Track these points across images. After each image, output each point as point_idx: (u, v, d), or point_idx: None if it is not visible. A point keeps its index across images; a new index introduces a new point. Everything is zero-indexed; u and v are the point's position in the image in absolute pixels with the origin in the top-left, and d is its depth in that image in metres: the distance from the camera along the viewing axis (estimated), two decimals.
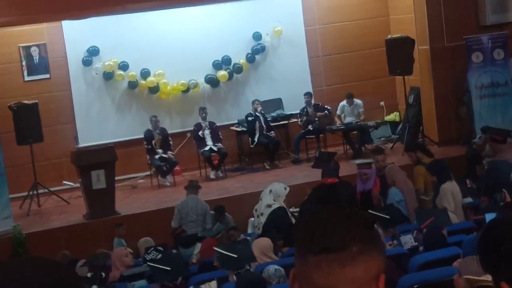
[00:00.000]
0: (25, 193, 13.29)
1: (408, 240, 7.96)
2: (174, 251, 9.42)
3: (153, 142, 14.12)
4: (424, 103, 14.77)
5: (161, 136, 14.17)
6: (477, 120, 13.75)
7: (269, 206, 9.78)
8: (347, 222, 1.70)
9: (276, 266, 6.92)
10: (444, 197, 9.43)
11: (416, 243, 7.83)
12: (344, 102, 15.12)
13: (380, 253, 1.71)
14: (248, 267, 7.56)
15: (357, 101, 15.07)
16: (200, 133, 14.33)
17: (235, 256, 7.72)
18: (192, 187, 11.79)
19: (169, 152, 14.17)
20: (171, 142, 14.35)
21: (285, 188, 9.83)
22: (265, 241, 8.48)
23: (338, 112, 15.15)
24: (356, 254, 1.66)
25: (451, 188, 9.55)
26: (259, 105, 14.78)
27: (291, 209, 10.67)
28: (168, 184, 14.16)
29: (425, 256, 6.93)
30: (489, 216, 6.99)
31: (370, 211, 9.21)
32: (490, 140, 10.80)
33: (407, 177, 10.69)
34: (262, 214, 10.03)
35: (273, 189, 9.96)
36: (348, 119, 15.02)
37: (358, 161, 11.15)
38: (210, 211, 11.45)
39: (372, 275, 1.68)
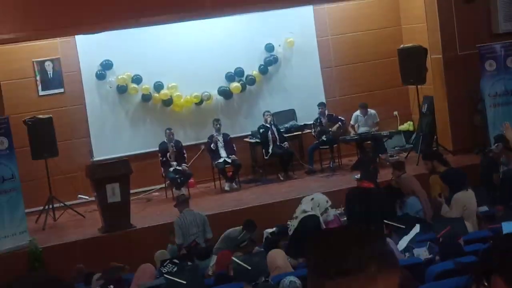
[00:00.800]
0: (41, 208, 13.32)
1: (422, 253, 7.92)
2: (189, 263, 9.44)
3: (168, 154, 14.16)
4: (438, 112, 14.74)
5: (175, 149, 14.21)
6: (491, 129, 13.69)
7: (305, 211, 9.75)
8: (361, 241, 1.67)
9: (292, 278, 6.88)
10: (452, 206, 9.40)
11: (431, 255, 7.78)
12: (358, 112, 15.12)
13: (396, 268, 1.69)
14: (266, 279, 7.54)
15: (371, 111, 15.07)
16: (213, 145, 14.36)
17: (249, 268, 7.72)
18: (182, 201, 11.73)
19: (183, 164, 14.20)
20: (185, 155, 14.38)
21: (327, 202, 9.83)
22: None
23: (352, 122, 15.15)
24: (375, 274, 1.62)
25: (464, 197, 9.50)
26: (269, 116, 14.80)
27: (337, 211, 10.61)
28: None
29: (442, 266, 6.90)
30: (506, 225, 6.97)
31: (385, 221, 9.23)
32: (505, 149, 10.78)
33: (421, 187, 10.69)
34: (296, 217, 10.01)
35: (315, 197, 9.91)
36: (362, 129, 15.00)
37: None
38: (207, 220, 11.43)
39: None
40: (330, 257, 1.64)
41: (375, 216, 9.41)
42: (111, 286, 8.54)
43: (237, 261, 7.92)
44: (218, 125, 14.55)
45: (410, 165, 13.53)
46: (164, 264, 9.27)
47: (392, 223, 8.90)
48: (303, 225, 9.65)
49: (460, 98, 14.35)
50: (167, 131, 14.36)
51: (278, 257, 8.24)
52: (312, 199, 9.91)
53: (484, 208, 10.00)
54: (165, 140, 14.32)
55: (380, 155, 14.74)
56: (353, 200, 10.09)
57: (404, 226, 8.55)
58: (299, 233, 9.59)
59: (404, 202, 10.38)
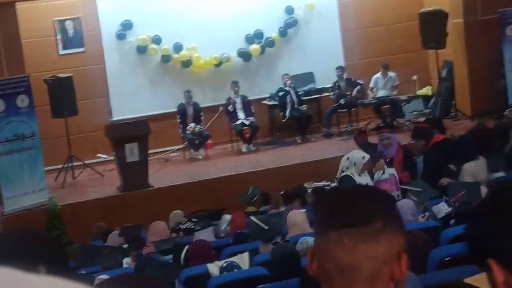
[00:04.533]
0: (60, 166, 13.47)
1: (441, 208, 7.91)
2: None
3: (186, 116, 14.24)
4: (457, 77, 14.68)
5: (193, 111, 14.27)
6: (511, 95, 13.64)
7: (342, 171, 9.65)
8: (370, 197, 1.68)
9: (311, 239, 6.91)
10: (463, 177, 9.34)
11: (450, 208, 7.79)
12: (378, 75, 14.99)
13: (402, 232, 1.68)
14: (283, 239, 7.60)
15: (391, 74, 14.95)
16: (231, 107, 14.40)
17: (266, 228, 7.80)
18: None
19: (197, 126, 14.19)
20: (202, 118, 14.42)
21: (363, 157, 9.57)
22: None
23: (371, 85, 15.05)
24: (379, 230, 1.62)
25: (472, 168, 9.41)
26: (288, 79, 14.79)
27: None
28: (200, 157, 14.26)
29: (457, 230, 6.93)
30: None
31: (400, 186, 9.26)
32: None
33: None
34: (336, 179, 9.98)
35: (350, 156, 9.72)
36: (381, 92, 14.92)
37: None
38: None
39: (393, 253, 1.65)
40: (336, 209, 1.66)
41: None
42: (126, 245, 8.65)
43: (255, 220, 7.98)
44: (236, 88, 14.57)
45: None
46: (182, 223, 9.38)
47: (407, 187, 8.92)
48: (340, 185, 9.56)
49: (480, 63, 14.26)
50: (186, 93, 14.40)
51: (297, 217, 8.31)
52: (348, 158, 9.68)
53: (500, 174, 9.95)
54: (184, 102, 14.38)
55: (397, 119, 14.73)
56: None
57: (420, 189, 8.58)
58: None
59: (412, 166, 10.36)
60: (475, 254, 1.73)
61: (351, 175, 9.24)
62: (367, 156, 9.37)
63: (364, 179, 9.25)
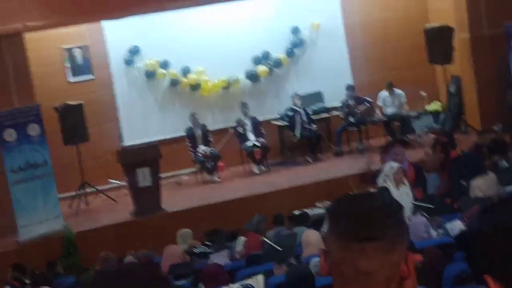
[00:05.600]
0: (73, 193, 13.52)
1: (456, 226, 7.91)
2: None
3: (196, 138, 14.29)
4: (466, 92, 14.69)
5: (202, 133, 14.32)
6: None
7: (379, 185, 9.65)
8: (383, 211, 1.86)
9: None
10: (472, 193, 9.32)
11: (464, 225, 7.80)
12: (385, 93, 15.05)
13: (406, 235, 1.89)
14: (297, 260, 7.61)
15: (398, 91, 15.00)
16: (241, 129, 14.44)
17: (280, 249, 7.82)
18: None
19: (205, 148, 14.22)
20: (210, 139, 14.46)
21: (391, 167, 9.59)
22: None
23: (379, 102, 15.07)
24: (394, 240, 1.82)
25: (480, 184, 9.36)
26: (298, 99, 14.83)
27: None
28: (217, 179, 14.24)
29: None
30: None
31: (412, 202, 9.26)
32: None
33: None
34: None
35: (383, 170, 9.74)
36: (390, 110, 14.95)
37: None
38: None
39: (403, 256, 1.84)
40: (357, 221, 1.83)
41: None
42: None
43: (268, 242, 8.01)
44: (245, 109, 14.62)
45: None
46: (196, 247, 9.40)
47: (420, 204, 8.92)
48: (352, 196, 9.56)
49: (488, 77, 14.27)
50: (191, 117, 14.45)
51: (312, 237, 8.34)
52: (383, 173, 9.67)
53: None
54: (191, 125, 14.44)
55: (408, 135, 14.73)
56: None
57: (432, 206, 8.58)
58: None
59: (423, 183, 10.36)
60: (474, 271, 1.86)
61: (388, 186, 9.31)
62: (396, 166, 9.39)
63: (401, 193, 9.28)
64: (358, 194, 1.96)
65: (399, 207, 1.90)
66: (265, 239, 8.13)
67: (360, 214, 1.84)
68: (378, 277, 1.81)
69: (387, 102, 15.01)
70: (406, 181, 9.78)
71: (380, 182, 9.60)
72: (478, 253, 1.79)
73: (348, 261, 1.82)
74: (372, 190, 10.71)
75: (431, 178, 10.49)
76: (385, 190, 9.24)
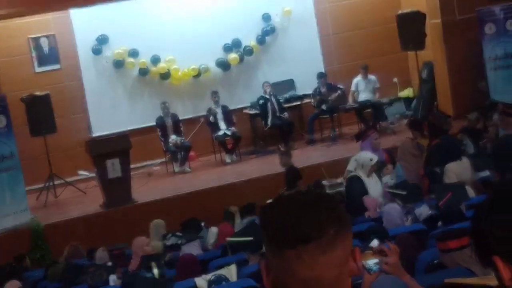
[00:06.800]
0: (41, 185, 13.31)
1: (423, 211, 7.89)
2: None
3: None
4: (438, 78, 14.66)
5: (172, 122, 14.15)
6: (493, 92, 13.61)
7: (349, 172, 9.58)
8: (317, 207, 1.67)
9: None
10: (447, 178, 9.30)
11: (431, 212, 7.76)
12: (358, 77, 14.96)
13: (350, 229, 1.70)
14: None
15: (371, 77, 14.94)
16: (212, 118, 14.28)
17: (252, 238, 7.67)
18: None
19: (178, 138, 14.07)
20: (181, 128, 14.31)
21: (371, 160, 9.49)
22: None
23: (352, 88, 14.99)
24: (333, 238, 1.65)
25: (455, 168, 9.36)
26: (268, 87, 14.72)
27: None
28: (189, 170, 14.09)
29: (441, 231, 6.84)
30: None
31: (386, 189, 9.18)
32: (501, 113, 10.63)
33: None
34: (344, 179, 9.91)
35: (358, 157, 9.66)
36: (362, 96, 14.87)
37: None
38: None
39: (348, 253, 1.69)
40: (288, 225, 1.63)
41: None
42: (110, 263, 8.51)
43: (234, 239, 7.91)
44: (216, 98, 14.47)
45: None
46: (167, 237, 9.24)
47: (393, 190, 8.84)
48: (347, 186, 9.53)
49: (460, 63, 14.26)
50: (162, 105, 14.27)
51: None
52: (356, 159, 9.60)
53: (486, 173, 9.89)
54: (161, 114, 14.25)
55: (380, 122, 14.68)
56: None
57: (405, 193, 8.50)
58: (347, 193, 9.44)
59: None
60: (479, 252, 1.77)
61: (359, 176, 9.20)
62: (375, 158, 9.34)
63: (372, 181, 9.21)
64: (288, 194, 1.74)
65: (332, 196, 1.73)
66: (229, 239, 8.00)
67: (289, 217, 1.64)
68: (325, 282, 1.64)
69: (360, 86, 14.92)
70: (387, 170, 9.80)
71: (351, 168, 9.53)
72: (487, 234, 1.70)
73: (287, 270, 1.64)
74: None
75: (398, 166, 10.47)
76: (356, 178, 9.21)
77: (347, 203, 9.07)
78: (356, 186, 9.22)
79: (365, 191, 9.11)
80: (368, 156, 9.40)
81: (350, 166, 9.63)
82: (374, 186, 9.25)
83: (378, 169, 9.46)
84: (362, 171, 9.25)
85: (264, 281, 1.71)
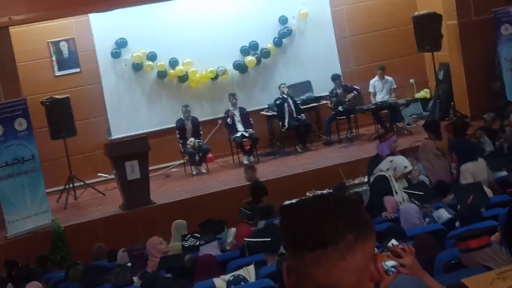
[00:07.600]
0: (62, 187, 13.43)
1: (441, 215, 7.90)
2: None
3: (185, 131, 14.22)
4: (455, 78, 14.66)
5: (192, 126, 14.24)
6: (509, 93, 13.60)
7: (380, 170, 9.66)
8: (336, 211, 1.66)
9: None
10: (463, 178, 9.32)
11: (450, 216, 7.78)
12: (375, 78, 15.00)
13: (372, 233, 1.68)
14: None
15: (388, 78, 14.98)
16: (230, 119, 14.37)
17: (269, 239, 7.73)
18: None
19: (196, 140, 14.15)
20: (201, 132, 14.39)
21: (405, 167, 9.58)
22: None
23: (370, 89, 15.05)
24: (353, 243, 1.63)
25: (471, 168, 9.37)
26: (285, 88, 14.78)
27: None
28: (204, 171, 14.19)
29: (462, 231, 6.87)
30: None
31: (402, 189, 9.21)
32: None
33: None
34: (373, 174, 9.99)
35: (394, 159, 9.72)
36: (379, 97, 14.90)
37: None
38: None
39: (369, 257, 1.67)
40: (307, 228, 1.64)
41: None
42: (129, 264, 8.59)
43: (252, 240, 7.95)
44: (234, 100, 14.55)
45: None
46: (186, 239, 9.31)
47: (410, 191, 8.87)
48: (373, 183, 9.61)
49: (477, 64, 14.25)
50: (184, 108, 14.37)
51: None
52: (391, 160, 9.68)
53: (503, 173, 9.91)
54: (182, 117, 14.35)
55: (397, 123, 14.69)
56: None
57: (422, 193, 8.52)
58: (372, 191, 9.53)
59: None
60: None
61: (388, 176, 9.27)
62: (409, 168, 9.43)
63: (399, 185, 9.27)
64: (308, 198, 1.74)
65: (356, 201, 1.71)
66: (247, 239, 8.05)
67: (308, 220, 1.64)
68: (342, 287, 1.64)
69: (377, 87, 14.96)
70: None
71: (382, 170, 9.59)
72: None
73: (306, 273, 1.64)
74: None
75: (420, 167, 10.50)
76: (384, 178, 9.31)
77: (369, 201, 9.14)
78: (382, 186, 9.30)
79: (390, 193, 9.18)
80: (404, 163, 9.49)
81: (383, 165, 9.68)
82: (400, 191, 9.31)
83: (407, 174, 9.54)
84: (393, 174, 9.34)
85: (285, 282, 1.70)
